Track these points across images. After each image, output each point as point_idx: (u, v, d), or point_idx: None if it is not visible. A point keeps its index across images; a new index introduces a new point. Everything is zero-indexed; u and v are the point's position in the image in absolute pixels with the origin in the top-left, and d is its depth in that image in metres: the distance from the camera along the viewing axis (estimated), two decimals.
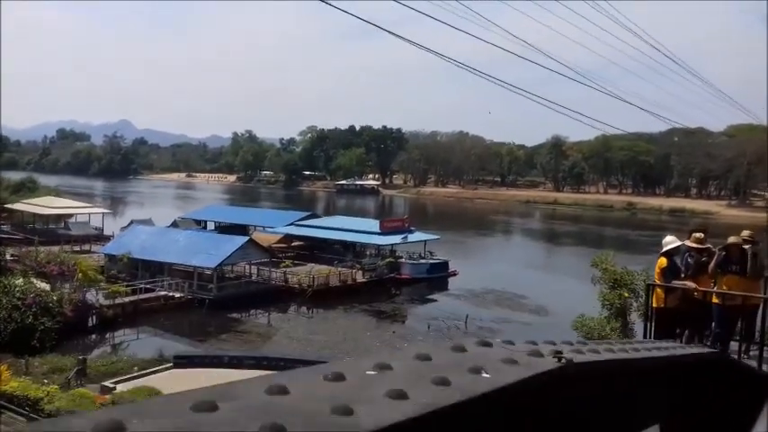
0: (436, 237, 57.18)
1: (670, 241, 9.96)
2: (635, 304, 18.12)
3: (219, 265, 39.42)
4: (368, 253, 54.06)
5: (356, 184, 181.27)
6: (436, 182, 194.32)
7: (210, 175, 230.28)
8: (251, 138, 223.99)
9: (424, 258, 52.79)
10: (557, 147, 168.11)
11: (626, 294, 18.05)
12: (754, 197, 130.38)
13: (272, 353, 26.58)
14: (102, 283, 34.80)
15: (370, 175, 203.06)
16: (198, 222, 64.23)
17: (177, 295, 38.70)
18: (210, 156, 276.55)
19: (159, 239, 44.11)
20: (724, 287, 9.10)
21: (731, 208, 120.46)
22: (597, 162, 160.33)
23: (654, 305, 9.57)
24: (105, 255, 45.22)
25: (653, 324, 9.48)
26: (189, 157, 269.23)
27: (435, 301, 45.86)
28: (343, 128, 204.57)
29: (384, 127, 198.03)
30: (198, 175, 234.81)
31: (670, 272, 9.66)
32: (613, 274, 18.73)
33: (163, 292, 38.67)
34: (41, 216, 61.64)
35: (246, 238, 42.51)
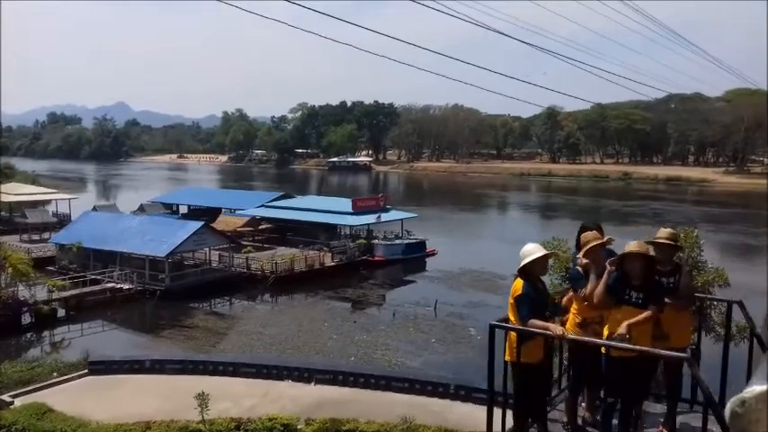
0: (413, 215, 54.41)
1: (529, 252, 6.45)
2: None
3: (171, 253, 36.69)
4: (343, 234, 51.39)
5: (348, 161, 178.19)
6: (430, 156, 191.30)
7: (202, 155, 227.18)
8: (242, 116, 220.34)
9: (400, 238, 50.06)
10: (552, 117, 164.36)
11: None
12: (753, 163, 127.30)
13: (200, 356, 23.96)
14: (32, 277, 31.97)
15: (364, 152, 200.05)
16: (168, 206, 61.53)
17: (126, 287, 36.06)
18: (204, 136, 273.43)
19: (112, 226, 41.39)
20: (616, 325, 6.09)
21: (729, 175, 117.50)
22: (593, 132, 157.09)
23: (507, 358, 6.37)
24: (56, 244, 42.56)
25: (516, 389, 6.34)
26: (181, 138, 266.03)
27: (408, 284, 43.26)
28: (334, 104, 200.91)
29: (376, 102, 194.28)
30: (189, 155, 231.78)
31: (527, 304, 6.19)
32: (566, 262, 15.94)
33: (110, 284, 36.05)
34: (4, 204, 58.91)
35: (201, 224, 39.70)
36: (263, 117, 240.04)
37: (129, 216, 46.42)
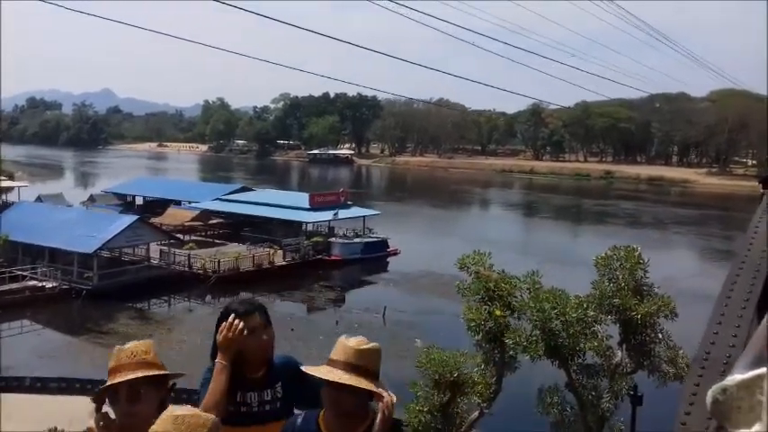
0: (375, 212, 51.82)
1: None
2: (521, 327, 12.79)
3: (99, 249, 33.84)
4: (305, 231, 48.58)
5: (329, 154, 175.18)
6: (413, 151, 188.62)
7: (182, 144, 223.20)
8: (222, 105, 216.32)
9: (359, 236, 47.37)
10: (536, 114, 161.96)
11: (498, 312, 12.61)
12: (735, 165, 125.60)
13: (90, 373, 21.13)
14: None
15: (346, 145, 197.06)
16: (122, 197, 58.51)
17: (50, 285, 33.16)
18: (186, 125, 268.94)
19: (45, 219, 38.40)
20: None
21: (711, 176, 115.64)
22: (577, 130, 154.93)
23: None
24: None
25: None
26: (162, 126, 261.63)
27: (363, 286, 40.70)
28: (317, 95, 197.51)
29: (359, 94, 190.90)
30: (169, 144, 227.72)
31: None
32: (486, 282, 13.29)
33: (32, 282, 33.12)
34: None
35: (134, 218, 36.82)
36: (246, 107, 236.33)
37: (64, 208, 43.43)
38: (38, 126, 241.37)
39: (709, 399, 1.13)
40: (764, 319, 1.28)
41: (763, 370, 1.07)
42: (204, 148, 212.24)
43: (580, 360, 12.54)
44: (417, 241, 53.92)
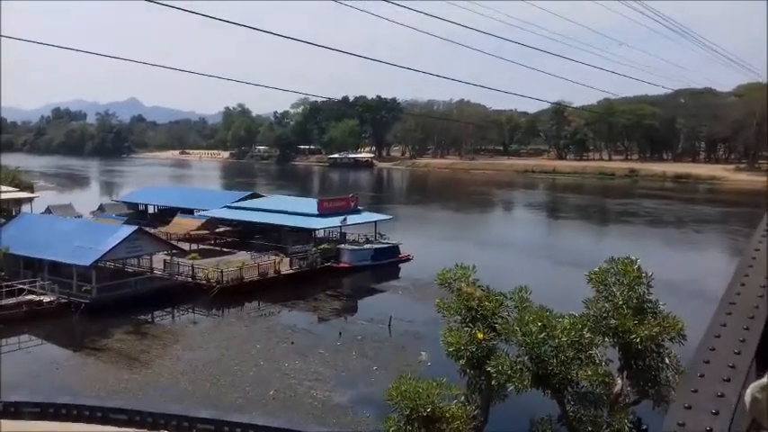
0: (387, 217, 50.40)
1: None
2: (507, 352, 11.34)
3: (97, 261, 32.90)
4: (313, 237, 47.34)
5: (349, 158, 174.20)
6: (434, 153, 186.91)
7: (203, 152, 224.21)
8: (243, 112, 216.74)
9: (370, 242, 46.01)
10: (558, 113, 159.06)
11: (480, 335, 11.17)
12: (765, 160, 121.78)
13: (64, 398, 20.05)
14: None
15: (367, 148, 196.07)
16: (132, 206, 57.92)
17: (47, 299, 32.33)
18: (208, 132, 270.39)
19: (47, 231, 37.73)
20: None
21: (739, 172, 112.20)
22: (600, 128, 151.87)
23: None
24: None
25: None
26: (185, 134, 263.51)
27: (372, 294, 39.32)
28: (336, 99, 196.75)
29: (378, 97, 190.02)
30: (191, 152, 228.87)
31: None
32: (468, 301, 11.84)
33: (30, 296, 32.31)
34: None
35: (133, 229, 35.80)
36: (267, 113, 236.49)
37: (66, 219, 42.68)
38: (63, 136, 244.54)
39: (747, 397, 1.11)
40: None
41: None
42: (226, 154, 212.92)
43: (575, 389, 11.04)
44: (432, 246, 52.41)
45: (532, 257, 49.12)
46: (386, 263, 44.35)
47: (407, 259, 45.92)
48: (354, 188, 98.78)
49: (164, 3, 11.88)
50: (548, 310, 10.96)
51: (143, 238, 35.86)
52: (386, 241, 46.55)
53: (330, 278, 41.21)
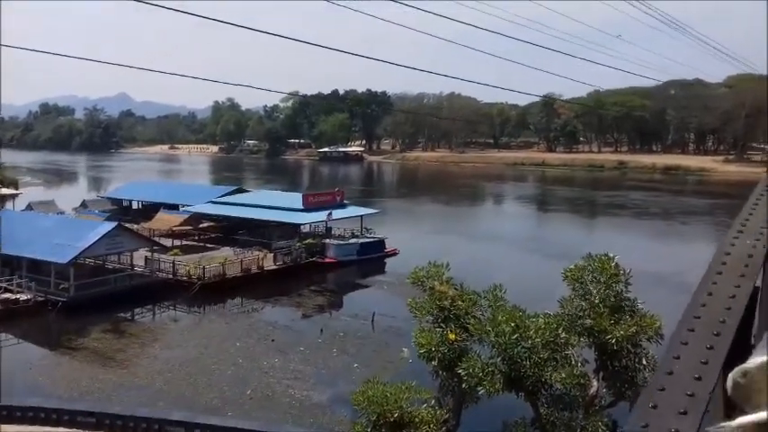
0: (374, 211, 49.91)
1: None
2: (479, 354, 10.90)
3: (75, 259, 32.22)
4: (298, 232, 46.75)
5: (339, 152, 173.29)
6: (425, 146, 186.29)
7: (193, 146, 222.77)
8: (232, 106, 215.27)
9: (356, 237, 45.49)
10: (548, 105, 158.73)
11: (452, 336, 10.71)
12: (753, 151, 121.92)
13: (32, 400, 19.46)
14: None
15: (357, 142, 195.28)
16: (116, 202, 57.14)
17: (24, 297, 31.66)
18: (198, 126, 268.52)
19: (25, 228, 36.90)
20: None
21: (728, 163, 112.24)
22: (590, 120, 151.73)
23: None
24: None
25: None
26: (174, 129, 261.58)
27: (357, 290, 38.84)
28: (326, 92, 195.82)
29: (368, 90, 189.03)
30: (181, 146, 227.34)
31: None
32: (440, 300, 11.36)
33: (6, 295, 31.64)
34: None
35: (113, 225, 35.15)
36: (257, 107, 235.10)
37: (45, 216, 41.89)
38: (51, 132, 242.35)
39: (729, 382, 1.13)
40: None
41: None
42: (215, 149, 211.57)
43: (550, 391, 10.57)
44: (420, 240, 51.91)
45: (521, 250, 48.77)
46: (372, 257, 43.86)
47: (394, 254, 45.43)
48: (344, 182, 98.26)
49: (157, 3, 11.81)
50: (521, 309, 10.48)
51: (123, 235, 35.19)
52: (372, 236, 46.04)
53: (315, 273, 40.67)
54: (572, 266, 10.71)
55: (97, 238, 33.13)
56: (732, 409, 1.19)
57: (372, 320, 30.25)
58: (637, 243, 47.38)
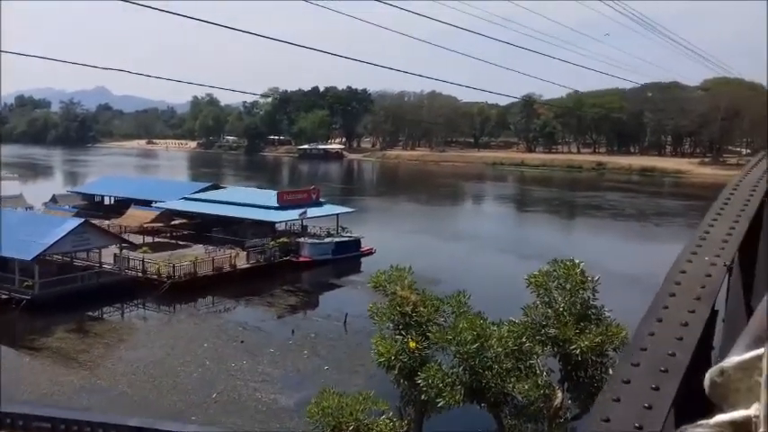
0: (349, 209, 49.46)
1: None
2: (440, 362, 10.51)
3: (39, 255, 31.39)
4: (273, 231, 46.13)
5: (319, 149, 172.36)
6: (405, 144, 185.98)
7: (171, 141, 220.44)
8: (211, 101, 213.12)
9: (331, 236, 44.99)
10: (528, 106, 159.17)
11: (412, 344, 10.31)
12: (729, 154, 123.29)
13: None
14: None
15: (337, 139, 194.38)
16: (88, 197, 56.06)
17: None
18: (176, 121, 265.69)
19: None
20: None
21: (704, 166, 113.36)
22: (569, 121, 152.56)
23: None
24: None
25: None
26: (152, 123, 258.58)
27: (331, 289, 38.38)
28: (306, 89, 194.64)
29: (349, 88, 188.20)
30: (158, 141, 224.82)
31: None
32: (401, 306, 10.95)
33: None
34: None
35: (80, 221, 34.35)
36: (237, 103, 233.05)
37: (13, 211, 40.86)
38: (26, 125, 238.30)
39: (707, 381, 1.15)
40: (763, 301, 1.27)
41: (761, 351, 1.07)
42: (193, 144, 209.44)
43: (513, 402, 10.22)
44: (397, 239, 51.59)
45: (497, 251, 48.61)
46: (347, 257, 43.41)
47: (370, 253, 45.01)
48: (323, 180, 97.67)
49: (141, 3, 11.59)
50: (483, 318, 10.12)
51: (90, 231, 34.38)
52: (348, 234, 45.57)
53: (289, 273, 40.15)
54: (536, 272, 10.36)
55: (63, 234, 32.34)
56: (710, 409, 1.16)
57: (345, 321, 29.81)
58: (611, 244, 47.50)
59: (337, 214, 47.32)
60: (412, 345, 10.28)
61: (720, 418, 1.03)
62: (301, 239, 43.23)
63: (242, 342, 27.26)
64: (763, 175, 7.10)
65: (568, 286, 10.01)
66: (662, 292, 3.16)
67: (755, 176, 7.21)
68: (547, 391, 9.98)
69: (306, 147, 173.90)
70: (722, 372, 1.10)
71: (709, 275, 3.38)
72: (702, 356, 2.90)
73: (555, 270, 10.25)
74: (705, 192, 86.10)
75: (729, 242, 4.13)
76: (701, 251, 4.07)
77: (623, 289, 27.16)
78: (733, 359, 1.10)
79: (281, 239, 41.90)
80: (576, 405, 10.51)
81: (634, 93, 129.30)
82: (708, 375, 1.13)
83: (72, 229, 32.81)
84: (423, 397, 9.95)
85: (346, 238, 44.78)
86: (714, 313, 3.62)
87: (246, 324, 30.09)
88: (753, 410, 0.99)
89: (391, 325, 11.00)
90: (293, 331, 28.79)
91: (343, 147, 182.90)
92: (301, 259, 41.68)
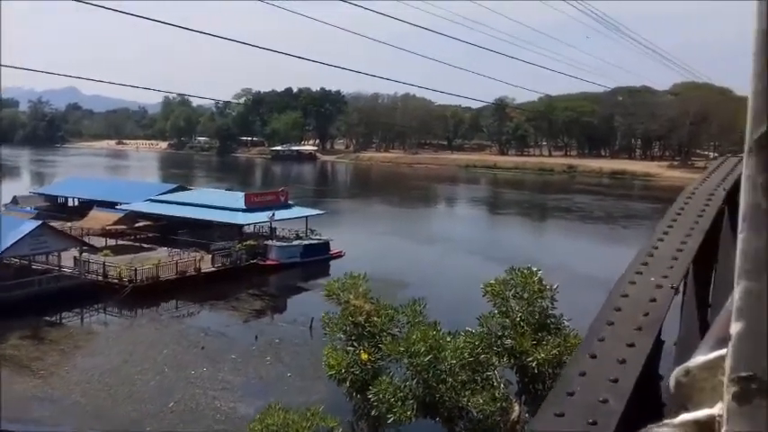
0: (318, 212, 48.86)
1: None
2: (399, 375, 10.04)
3: None
4: (240, 233, 45.34)
5: (292, 150, 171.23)
6: (378, 146, 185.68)
7: (141, 142, 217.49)
8: (183, 102, 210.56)
9: (300, 239, 44.38)
10: (500, 109, 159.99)
11: (364, 356, 9.85)
12: (697, 157, 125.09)
13: None
14: None
15: (311, 141, 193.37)
16: (51, 199, 54.69)
17: None
18: (148, 121, 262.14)
19: None
20: None
21: (673, 169, 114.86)
22: (541, 124, 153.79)
23: None
24: None
25: None
26: (123, 123, 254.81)
27: (299, 293, 37.81)
28: (280, 90, 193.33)
29: (322, 89, 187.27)
30: (128, 142, 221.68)
31: None
32: (354, 314, 10.49)
33: None
34: None
35: (37, 224, 33.37)
36: (208, 103, 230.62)
37: None
38: None
39: (672, 381, 1.16)
40: (728, 302, 1.14)
41: (724, 351, 1.03)
42: (164, 145, 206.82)
43: (469, 416, 9.80)
44: (367, 242, 51.17)
45: (467, 253, 48.40)
46: (316, 260, 42.86)
47: (339, 256, 44.50)
48: (296, 181, 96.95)
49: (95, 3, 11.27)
50: (436, 329, 9.69)
51: (48, 234, 33.38)
52: (316, 237, 45.02)
53: (255, 276, 39.50)
54: (492, 281, 9.97)
55: (19, 237, 31.33)
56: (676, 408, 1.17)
57: (311, 326, 29.20)
58: (579, 246, 47.57)
59: (306, 216, 46.72)
60: (364, 356, 9.82)
61: (685, 417, 1.04)
62: (269, 242, 42.58)
63: (203, 348, 26.59)
64: (721, 182, 6.79)
65: (526, 295, 9.63)
66: (599, 321, 2.69)
67: (714, 182, 6.88)
68: (504, 404, 9.58)
69: (279, 148, 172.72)
70: (687, 372, 1.10)
71: (654, 300, 2.93)
72: (642, 399, 2.45)
73: (512, 278, 9.86)
74: (673, 194, 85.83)
75: (680, 259, 3.67)
76: (646, 270, 3.61)
77: (589, 291, 26.94)
78: (698, 359, 1.10)
79: (248, 242, 41.21)
80: (533, 418, 10.11)
81: (605, 96, 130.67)
82: (673, 375, 1.12)
83: (29, 232, 31.84)
84: (373, 412, 9.48)
85: (315, 241, 44.23)
86: (659, 344, 3.14)
87: (209, 329, 29.39)
88: (717, 410, 1.01)
89: (343, 336, 10.52)
90: (257, 337, 28.18)
91: (316, 148, 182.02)
92: (268, 262, 41.04)
